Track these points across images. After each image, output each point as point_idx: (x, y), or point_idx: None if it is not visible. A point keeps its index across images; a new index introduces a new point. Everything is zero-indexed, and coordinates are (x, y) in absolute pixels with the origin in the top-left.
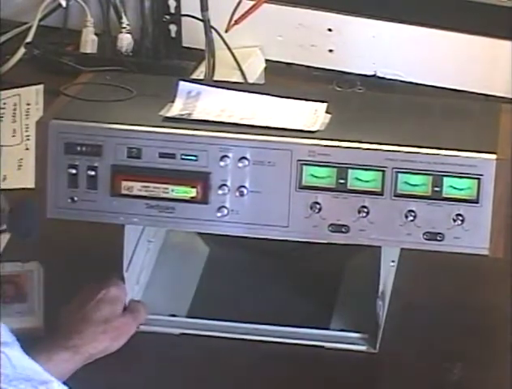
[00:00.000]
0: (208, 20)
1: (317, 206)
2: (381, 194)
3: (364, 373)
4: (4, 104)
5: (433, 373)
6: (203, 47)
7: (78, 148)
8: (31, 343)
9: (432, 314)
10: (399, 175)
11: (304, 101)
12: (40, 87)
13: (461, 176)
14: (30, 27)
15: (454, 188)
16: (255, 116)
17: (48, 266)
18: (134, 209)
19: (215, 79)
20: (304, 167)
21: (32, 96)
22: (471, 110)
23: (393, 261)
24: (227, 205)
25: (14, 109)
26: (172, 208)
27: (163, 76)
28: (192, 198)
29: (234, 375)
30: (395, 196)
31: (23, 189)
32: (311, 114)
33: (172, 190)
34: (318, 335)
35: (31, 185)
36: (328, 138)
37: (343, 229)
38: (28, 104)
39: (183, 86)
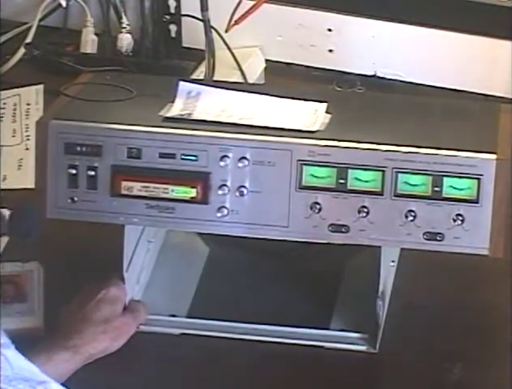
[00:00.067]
0: (208, 20)
1: (317, 206)
2: (381, 194)
3: (364, 373)
4: (4, 104)
5: (433, 373)
6: (203, 47)
7: (78, 148)
8: (31, 343)
9: (432, 314)
10: (399, 175)
11: (304, 101)
12: (40, 87)
13: (461, 176)
14: (30, 27)
15: (454, 188)
16: (255, 116)
17: (48, 266)
18: (134, 209)
19: (215, 79)
20: (304, 167)
21: (32, 96)
22: (471, 110)
23: (393, 261)
24: (227, 205)
25: (14, 109)
26: (172, 208)
27: (163, 76)
28: (192, 198)
29: (234, 375)
30: (395, 196)
31: (23, 189)
32: (311, 114)
33: (172, 191)
34: (318, 335)
35: (31, 185)
36: (328, 138)
37: (343, 229)
38: (28, 104)
39: (183, 86)
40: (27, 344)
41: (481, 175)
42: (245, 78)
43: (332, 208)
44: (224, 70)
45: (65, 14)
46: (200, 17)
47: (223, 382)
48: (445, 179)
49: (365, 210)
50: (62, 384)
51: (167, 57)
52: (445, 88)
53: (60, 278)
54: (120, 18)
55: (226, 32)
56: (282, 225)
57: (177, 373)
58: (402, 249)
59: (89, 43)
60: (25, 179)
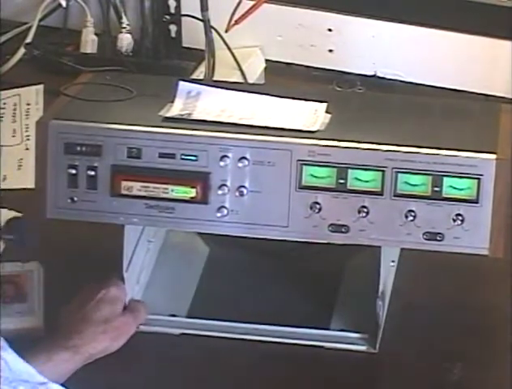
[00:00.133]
0: (208, 20)
1: (317, 206)
2: (381, 194)
3: (364, 373)
4: (4, 104)
5: (433, 373)
6: (203, 47)
7: (78, 148)
8: (31, 343)
9: (432, 314)
10: (399, 175)
11: (304, 101)
12: (40, 87)
13: (461, 176)
14: (30, 27)
15: (454, 188)
16: (255, 116)
17: (48, 266)
18: (133, 209)
19: (215, 79)
20: (304, 167)
21: (32, 96)
22: (471, 110)
23: (393, 261)
24: (227, 205)
25: (14, 109)
26: (172, 208)
27: (163, 76)
28: (192, 198)
29: (234, 375)
30: (395, 196)
31: (23, 189)
32: (311, 114)
33: (172, 190)
34: (318, 335)
35: (31, 185)
36: (328, 138)
37: (343, 229)
38: (28, 104)
39: (183, 86)
40: (27, 344)
41: (481, 175)
42: (245, 78)
43: (332, 208)
44: (224, 70)
45: (65, 14)
46: (200, 17)
47: (223, 382)
48: (445, 179)
49: (365, 210)
50: (62, 384)
51: (167, 57)
52: (446, 88)
53: (60, 278)
54: (120, 18)
55: (226, 32)
56: (282, 225)
57: (177, 373)
58: (402, 249)
59: (89, 43)
60: (25, 179)
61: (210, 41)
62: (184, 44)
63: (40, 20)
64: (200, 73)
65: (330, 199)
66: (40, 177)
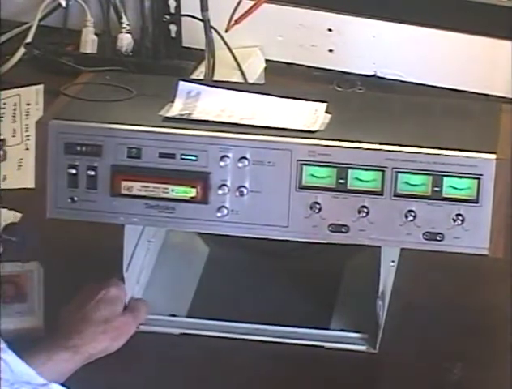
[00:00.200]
0: (208, 20)
1: (317, 206)
2: (381, 194)
3: (364, 373)
4: (4, 104)
5: (433, 373)
6: (203, 47)
7: (78, 148)
8: (31, 343)
9: (432, 314)
10: (399, 175)
11: (304, 101)
12: (40, 87)
13: (461, 176)
14: (30, 27)
15: (454, 188)
16: (255, 116)
17: (48, 266)
18: (133, 209)
19: (215, 79)
20: (304, 167)
21: (32, 96)
22: (472, 110)
23: (393, 261)
24: (227, 205)
25: (14, 109)
26: (172, 208)
27: (163, 76)
28: (192, 198)
29: (234, 375)
30: (395, 196)
31: (23, 189)
32: (311, 114)
33: (172, 190)
34: (318, 335)
35: (31, 185)
36: (328, 138)
37: (343, 229)
38: (28, 104)
39: (183, 86)
40: (27, 344)
41: (481, 175)
42: (245, 78)
43: (332, 208)
44: (224, 70)
45: (65, 14)
46: (200, 17)
47: (223, 382)
48: (445, 179)
49: (365, 210)
50: (62, 384)
51: (167, 57)
52: (446, 88)
53: (60, 278)
54: (120, 18)
55: (226, 32)
56: (282, 225)
57: (177, 373)
58: (402, 249)
59: (89, 43)
60: (25, 179)
61: (210, 41)
62: (184, 44)
63: (40, 20)
64: (200, 73)
65: (330, 199)
66: (40, 177)
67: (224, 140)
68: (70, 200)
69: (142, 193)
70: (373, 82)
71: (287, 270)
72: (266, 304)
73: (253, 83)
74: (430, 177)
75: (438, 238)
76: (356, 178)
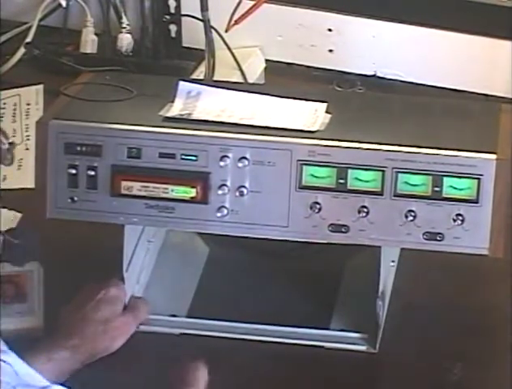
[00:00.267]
0: (208, 20)
1: (317, 206)
2: (381, 194)
3: (364, 373)
4: (4, 104)
5: (433, 373)
6: (203, 47)
7: (78, 148)
8: (31, 343)
9: (432, 314)
10: (399, 175)
11: (304, 101)
12: (40, 87)
13: (461, 176)
14: (30, 27)
15: (454, 188)
16: (255, 116)
17: (48, 266)
18: (133, 209)
19: (215, 79)
20: (304, 167)
21: (32, 96)
22: (471, 110)
23: (393, 261)
24: (227, 205)
25: (14, 109)
26: (172, 208)
27: (163, 76)
28: (192, 198)
29: (234, 375)
30: (395, 196)
31: (23, 189)
32: (311, 114)
33: (172, 190)
34: (318, 335)
35: (31, 185)
36: (328, 138)
37: (343, 229)
38: (28, 104)
39: (183, 86)
40: (27, 344)
41: (481, 175)
42: (245, 78)
43: (332, 208)
44: (224, 70)
45: (65, 15)
46: (200, 17)
47: (223, 382)
48: (445, 179)
49: (365, 210)
50: (62, 384)
51: (167, 57)
52: (446, 88)
53: (60, 278)
54: (120, 18)
55: (226, 31)
56: (282, 225)
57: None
58: (402, 249)
59: (89, 43)
60: (25, 179)
61: (210, 41)
62: (184, 44)
63: (40, 20)
64: (200, 73)
65: (330, 199)
66: (40, 177)
67: (223, 140)
68: (70, 200)
69: (142, 193)
70: (373, 82)
71: (287, 270)
72: (266, 304)
73: (253, 83)
74: (430, 177)
75: (438, 238)
76: (356, 178)
